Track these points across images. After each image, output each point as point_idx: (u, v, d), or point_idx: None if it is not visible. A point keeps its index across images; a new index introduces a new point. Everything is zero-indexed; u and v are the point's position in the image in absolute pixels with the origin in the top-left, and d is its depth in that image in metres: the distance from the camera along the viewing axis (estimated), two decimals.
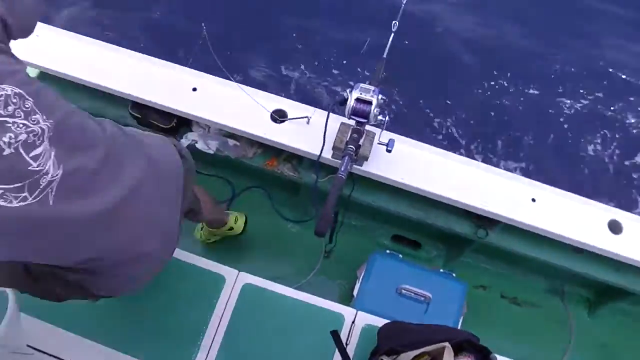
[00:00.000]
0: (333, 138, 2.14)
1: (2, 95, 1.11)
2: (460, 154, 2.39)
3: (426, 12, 4.42)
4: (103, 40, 2.50)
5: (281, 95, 2.41)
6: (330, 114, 2.08)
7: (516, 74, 4.25)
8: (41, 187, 1.14)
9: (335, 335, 1.91)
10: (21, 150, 1.12)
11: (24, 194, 1.12)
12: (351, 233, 2.86)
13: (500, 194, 2.26)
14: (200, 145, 2.50)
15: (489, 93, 4.17)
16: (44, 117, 1.17)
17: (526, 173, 3.80)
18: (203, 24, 2.27)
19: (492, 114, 4.10)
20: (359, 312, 2.01)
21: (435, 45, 4.34)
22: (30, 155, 1.13)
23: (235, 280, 2.02)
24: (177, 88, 2.36)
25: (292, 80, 4.07)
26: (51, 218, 1.18)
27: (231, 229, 2.67)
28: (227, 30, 4.14)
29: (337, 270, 2.81)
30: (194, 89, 2.36)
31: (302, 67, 4.14)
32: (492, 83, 4.20)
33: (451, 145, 3.84)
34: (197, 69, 2.44)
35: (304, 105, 2.38)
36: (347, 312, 2.01)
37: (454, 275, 2.57)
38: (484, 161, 3.46)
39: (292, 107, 2.34)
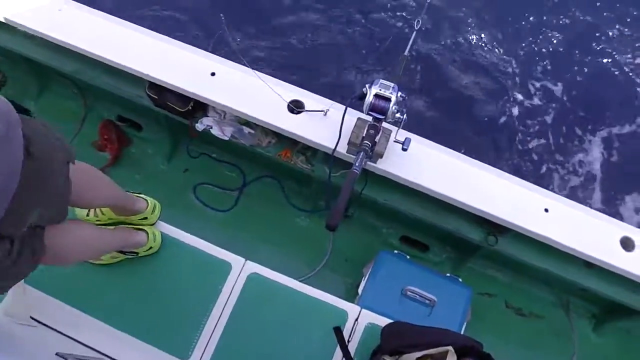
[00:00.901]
0: (349, 133, 2.12)
1: None
2: (476, 159, 2.35)
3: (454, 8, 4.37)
4: (124, 19, 2.49)
5: (299, 86, 2.39)
6: (348, 108, 2.06)
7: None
8: None
9: (338, 331, 1.90)
10: None
11: None
12: (360, 230, 2.84)
13: (513, 201, 2.23)
14: (215, 131, 2.49)
15: (512, 99, 4.13)
16: None
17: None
18: (222, 15, 2.25)
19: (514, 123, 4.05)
20: (363, 310, 2.00)
21: (461, 46, 4.30)
22: None
23: (241, 268, 2.00)
24: (195, 72, 2.34)
25: (311, 72, 4.04)
26: None
27: (150, 248, 2.00)
28: (247, 18, 4.12)
29: (343, 266, 2.79)
30: (213, 74, 2.34)
31: (321, 59, 4.11)
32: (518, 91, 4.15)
33: (468, 149, 3.80)
34: (216, 54, 2.43)
35: (321, 97, 2.36)
36: (351, 309, 1.99)
37: (460, 280, 2.55)
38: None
39: (310, 99, 2.33)
